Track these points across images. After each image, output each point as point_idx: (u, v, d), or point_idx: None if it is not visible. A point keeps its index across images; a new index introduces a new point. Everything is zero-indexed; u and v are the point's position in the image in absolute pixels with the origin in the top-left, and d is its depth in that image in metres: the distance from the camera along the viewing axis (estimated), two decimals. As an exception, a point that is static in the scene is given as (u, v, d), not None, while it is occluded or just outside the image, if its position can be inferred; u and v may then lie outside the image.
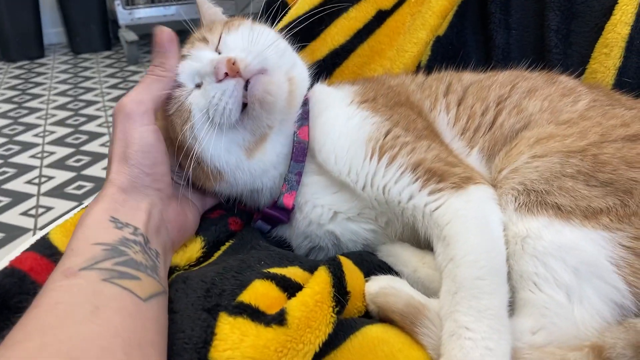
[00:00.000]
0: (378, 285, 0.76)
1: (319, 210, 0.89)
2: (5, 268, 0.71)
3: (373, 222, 0.89)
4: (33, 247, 0.76)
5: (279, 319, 0.64)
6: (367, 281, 0.77)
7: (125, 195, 0.74)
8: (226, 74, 0.78)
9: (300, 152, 0.87)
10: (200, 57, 0.84)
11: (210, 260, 0.84)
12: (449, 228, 0.75)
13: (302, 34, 1.15)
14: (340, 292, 0.70)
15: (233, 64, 0.78)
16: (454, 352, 0.63)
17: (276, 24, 0.97)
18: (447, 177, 0.80)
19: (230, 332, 0.62)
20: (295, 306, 0.66)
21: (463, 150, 0.90)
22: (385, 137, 0.85)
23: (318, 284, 0.70)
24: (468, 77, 0.99)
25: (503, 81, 0.95)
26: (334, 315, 0.68)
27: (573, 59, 1.10)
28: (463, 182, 0.79)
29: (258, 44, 0.83)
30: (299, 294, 0.68)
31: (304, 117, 0.90)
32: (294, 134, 0.88)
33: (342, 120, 0.88)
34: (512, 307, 0.71)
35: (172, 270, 0.79)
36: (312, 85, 0.97)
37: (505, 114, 0.90)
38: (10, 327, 0.58)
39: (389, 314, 0.73)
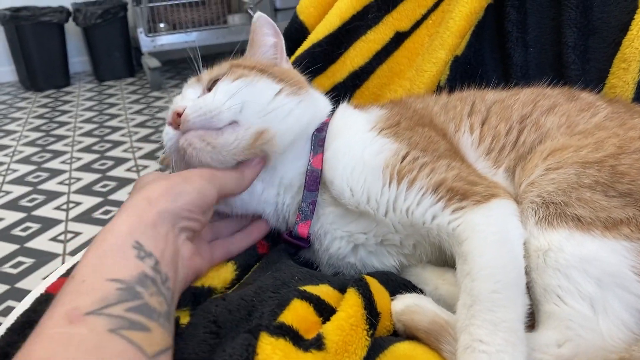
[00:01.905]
0: (404, 304, 0.76)
1: (338, 243, 0.89)
2: (41, 295, 0.73)
3: (395, 255, 0.90)
4: (67, 274, 0.78)
5: (317, 343, 0.65)
6: (392, 300, 0.78)
7: (153, 208, 0.69)
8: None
9: (313, 181, 0.88)
10: (184, 95, 0.90)
11: (241, 282, 0.86)
12: (467, 243, 0.75)
13: (322, 58, 1.18)
14: (372, 313, 0.71)
15: (178, 115, 0.83)
16: None
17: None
18: (469, 196, 0.80)
19: (272, 352, 0.63)
20: (332, 330, 0.66)
21: (489, 171, 0.90)
22: (403, 160, 0.85)
23: (351, 306, 0.70)
24: (491, 96, 0.99)
25: (525, 100, 0.96)
26: (368, 338, 0.68)
27: (592, 75, 1.11)
28: (485, 199, 0.80)
29: (240, 98, 0.84)
30: (334, 318, 0.69)
31: (319, 144, 0.91)
32: (308, 163, 0.89)
33: (357, 149, 0.88)
34: (530, 318, 0.72)
35: (209, 291, 0.80)
36: (336, 106, 0.98)
37: (527, 131, 0.91)
38: None
39: (414, 332, 0.73)
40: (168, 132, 0.85)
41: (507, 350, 0.64)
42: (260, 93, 0.87)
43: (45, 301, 0.71)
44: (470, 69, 1.18)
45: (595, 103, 0.93)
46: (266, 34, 0.99)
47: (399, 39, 1.20)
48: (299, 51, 1.18)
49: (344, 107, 0.99)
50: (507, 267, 0.72)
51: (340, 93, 1.17)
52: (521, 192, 0.81)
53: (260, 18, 0.99)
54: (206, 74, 0.93)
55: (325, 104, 0.98)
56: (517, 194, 0.83)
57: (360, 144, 0.89)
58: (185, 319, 0.72)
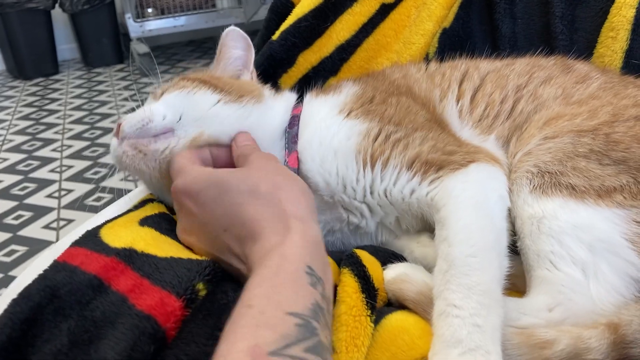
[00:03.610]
0: (395, 273, 0.76)
1: None
2: (57, 262, 0.71)
3: (367, 241, 0.90)
4: (82, 244, 0.75)
5: None
6: (384, 269, 0.78)
7: (307, 224, 0.68)
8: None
9: None
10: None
11: None
12: (444, 209, 0.76)
13: (308, 32, 1.17)
14: (370, 295, 0.70)
15: (119, 127, 0.86)
16: (442, 331, 0.63)
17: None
18: (445, 165, 0.80)
19: None
20: (337, 328, 0.65)
21: (477, 138, 0.91)
22: (375, 142, 0.85)
23: (349, 295, 0.69)
24: (485, 65, 1.00)
25: (521, 71, 0.96)
26: (371, 324, 0.67)
27: (580, 45, 1.10)
28: (462, 166, 0.80)
29: (179, 108, 0.87)
30: (337, 312, 0.67)
31: (293, 141, 0.90)
32: (284, 162, 0.88)
33: (325, 138, 0.88)
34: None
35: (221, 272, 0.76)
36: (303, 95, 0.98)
37: (524, 101, 0.91)
38: (61, 317, 0.60)
39: (403, 302, 0.74)
40: (112, 143, 0.88)
41: (481, 313, 0.63)
42: (197, 103, 0.88)
43: (62, 269, 0.69)
44: (458, 41, 1.18)
45: (590, 74, 0.94)
46: (234, 47, 1.00)
47: (385, 10, 1.19)
48: (284, 25, 1.17)
49: (308, 99, 0.98)
50: (484, 230, 0.72)
51: (327, 68, 1.17)
52: (517, 161, 0.82)
53: (231, 32, 0.99)
54: (160, 88, 0.95)
55: (286, 102, 0.98)
56: (512, 163, 0.84)
57: (327, 131, 0.88)
58: (203, 292, 0.69)
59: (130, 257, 0.72)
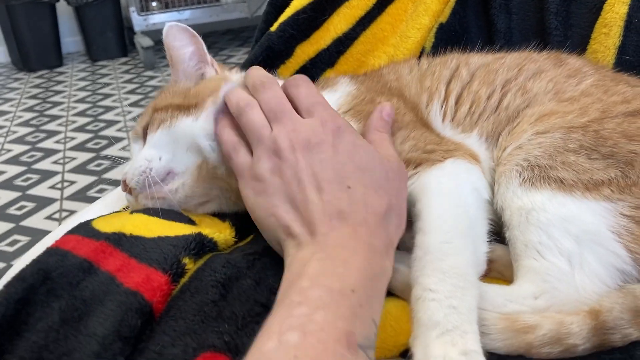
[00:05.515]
0: None
1: None
2: (50, 248, 0.73)
3: None
4: (75, 231, 0.77)
5: None
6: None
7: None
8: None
9: None
10: (131, 153, 0.92)
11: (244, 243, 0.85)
12: (420, 202, 0.77)
13: (306, 25, 1.18)
14: None
15: (125, 182, 0.86)
16: (420, 315, 0.64)
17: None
18: (423, 162, 0.82)
19: None
20: None
21: (458, 136, 0.91)
22: None
23: None
24: (476, 59, 1.00)
25: (510, 64, 0.97)
26: None
27: (574, 40, 1.11)
28: (439, 161, 0.82)
29: (167, 148, 0.85)
30: None
31: None
32: None
33: None
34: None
35: (209, 245, 0.77)
36: None
37: (511, 95, 0.92)
38: (53, 297, 0.63)
39: (390, 290, 0.73)
40: (128, 198, 0.88)
41: (456, 295, 0.64)
42: (182, 136, 0.85)
43: (54, 253, 0.71)
44: (455, 36, 1.18)
45: (582, 69, 0.94)
46: (180, 46, 0.93)
47: (382, 4, 1.19)
48: (282, 18, 1.18)
49: None
50: (457, 218, 0.74)
51: (324, 60, 1.19)
52: (506, 154, 0.83)
53: (169, 30, 0.92)
54: (138, 125, 0.92)
55: None
56: (500, 157, 0.85)
57: None
58: (190, 265, 0.72)
59: (119, 240, 0.74)
